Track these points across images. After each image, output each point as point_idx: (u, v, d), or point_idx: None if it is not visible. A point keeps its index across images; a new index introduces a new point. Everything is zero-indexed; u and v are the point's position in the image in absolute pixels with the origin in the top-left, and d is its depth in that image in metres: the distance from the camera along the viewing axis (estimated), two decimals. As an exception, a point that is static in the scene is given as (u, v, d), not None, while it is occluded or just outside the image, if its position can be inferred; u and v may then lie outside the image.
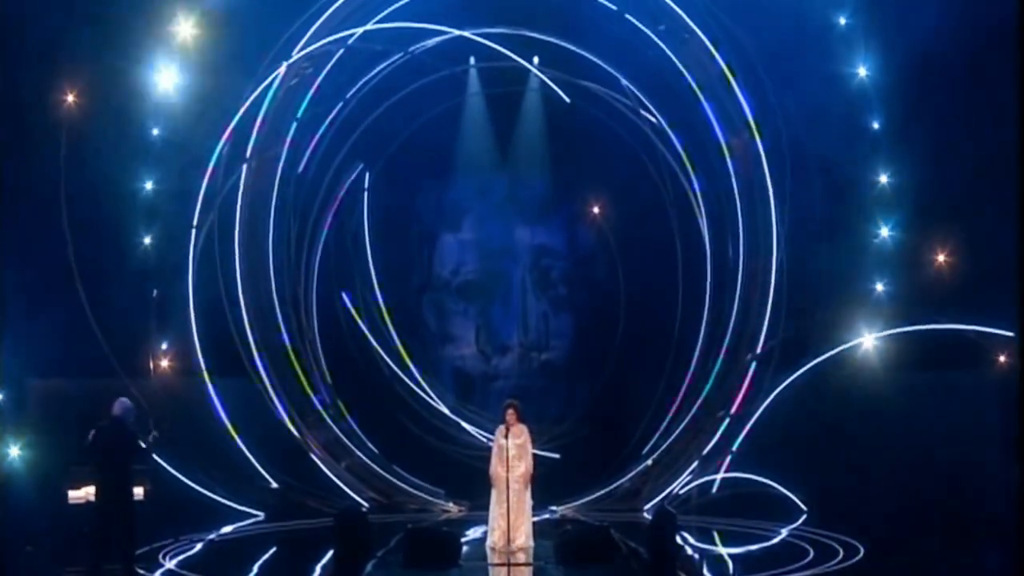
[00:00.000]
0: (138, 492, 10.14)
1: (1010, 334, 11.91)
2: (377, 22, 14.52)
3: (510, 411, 11.19)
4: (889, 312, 13.66)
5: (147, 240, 14.11)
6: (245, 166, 14.30)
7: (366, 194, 16.06)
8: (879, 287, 14.16)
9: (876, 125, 14.11)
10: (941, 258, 13.67)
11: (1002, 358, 12.55)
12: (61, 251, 12.56)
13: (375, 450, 15.16)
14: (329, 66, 14.74)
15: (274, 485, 14.29)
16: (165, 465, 12.84)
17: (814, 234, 13.83)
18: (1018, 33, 6.16)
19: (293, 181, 15.00)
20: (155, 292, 13.56)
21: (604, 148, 15.29)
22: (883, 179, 14.22)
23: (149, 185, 14.11)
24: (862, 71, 14.16)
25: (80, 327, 12.59)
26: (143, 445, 9.52)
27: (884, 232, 14.25)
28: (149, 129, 13.94)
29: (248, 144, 14.24)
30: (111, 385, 11.19)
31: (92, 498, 9.58)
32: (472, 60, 15.69)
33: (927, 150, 13.40)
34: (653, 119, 15.16)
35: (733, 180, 14.48)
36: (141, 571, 9.70)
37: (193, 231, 13.93)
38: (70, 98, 13.07)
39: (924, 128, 13.38)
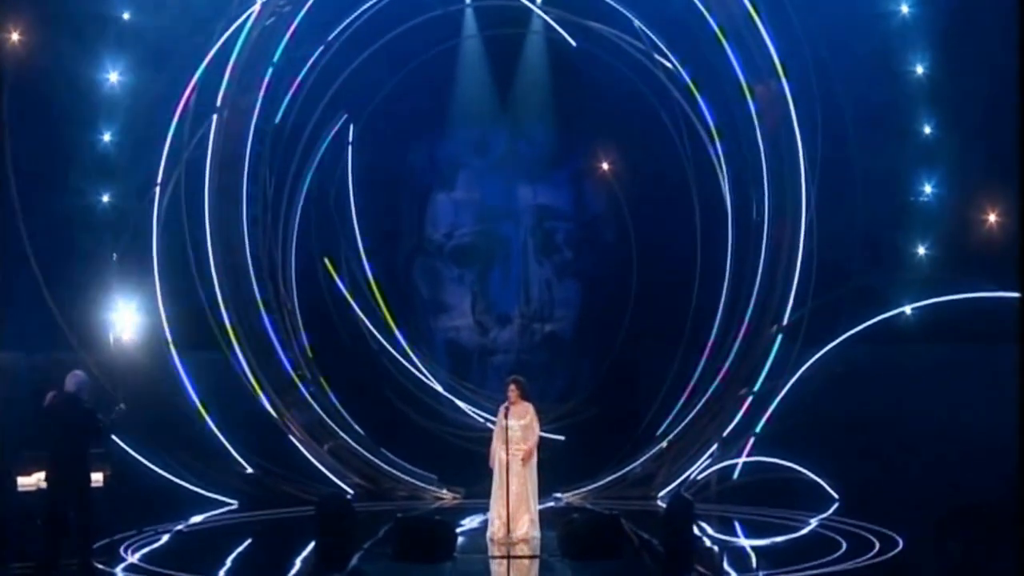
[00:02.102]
0: (96, 478, 10.09)
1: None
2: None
3: (512, 388, 11.16)
4: (932, 279, 13.52)
5: (105, 198, 13.96)
6: (215, 117, 14.17)
7: (350, 148, 16.02)
8: (921, 251, 14.11)
9: (920, 70, 13.89)
10: (992, 218, 13.58)
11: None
12: (6, 209, 12.46)
13: (361, 431, 15.19)
14: (309, 4, 14.64)
15: (249, 470, 14.30)
16: (127, 448, 12.82)
17: (848, 192, 13.77)
18: (1018, 33, 6.16)
19: (269, 134, 14.95)
20: (114, 256, 13.48)
21: (614, 97, 15.30)
22: (927, 130, 14.12)
23: (107, 137, 13.99)
24: (904, 8, 14.05)
25: (30, 295, 12.53)
26: (102, 423, 9.44)
27: (927, 189, 14.15)
28: (105, 72, 13.81)
29: (218, 92, 14.12)
30: (65, 360, 11.03)
31: (44, 485, 9.56)
32: (468, -2, 15.76)
33: (977, 97, 13.17)
34: (669, 64, 15.13)
35: (758, 132, 14.42)
36: (100, 566, 9.65)
37: (157, 189, 13.84)
38: (15, 36, 12.89)
39: (973, 73, 13.13)
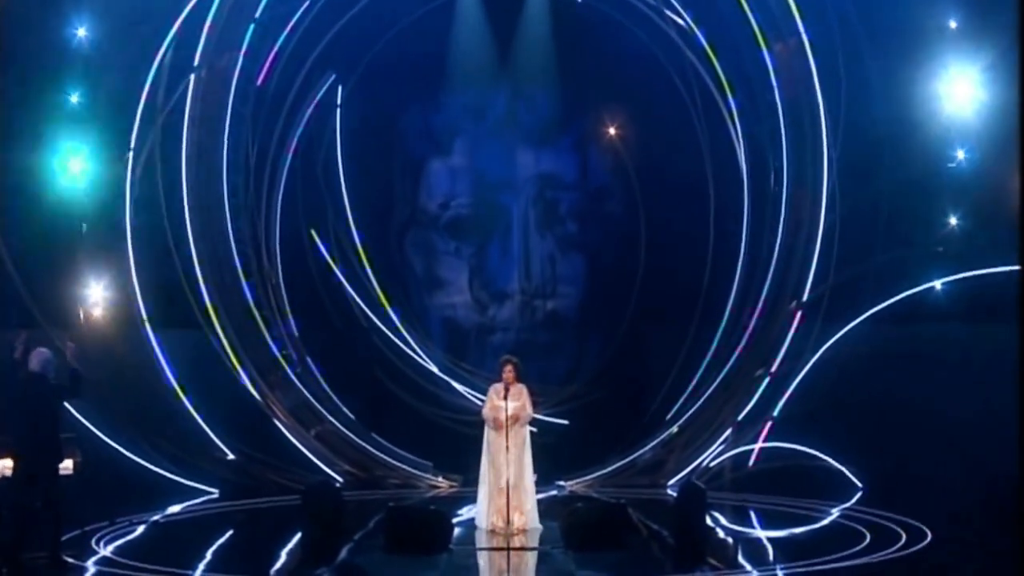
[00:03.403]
0: (66, 465, 10.11)
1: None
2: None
3: (508, 368, 11.18)
4: (964, 252, 13.42)
5: (74, 164, 13.83)
6: (193, 77, 14.12)
7: (338, 111, 15.96)
8: (952, 221, 13.96)
9: (953, 24, 13.70)
10: (1030, 186, 13.43)
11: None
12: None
13: (350, 415, 15.23)
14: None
15: (230, 456, 14.30)
16: (99, 433, 12.80)
17: (874, 158, 13.64)
18: (1018, 32, 6.23)
19: (251, 96, 14.88)
20: (84, 227, 13.40)
21: (623, 57, 15.25)
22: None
23: (75, 98, 13.88)
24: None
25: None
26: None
27: (960, 155, 13.98)
28: (72, 27, 13.72)
29: (196, 50, 14.09)
30: (32, 337, 10.92)
31: (8, 472, 9.53)
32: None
33: (1015, 51, 12.95)
34: (681, 22, 15.05)
35: (776, 95, 14.38)
36: (69, 559, 9.61)
37: (130, 155, 13.75)
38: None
39: (1010, 26, 12.89)
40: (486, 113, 16.51)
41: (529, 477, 11.08)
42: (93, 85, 13.79)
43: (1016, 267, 12.21)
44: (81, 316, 13.06)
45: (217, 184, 14.52)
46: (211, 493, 13.80)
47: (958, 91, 13.50)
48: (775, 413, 14.06)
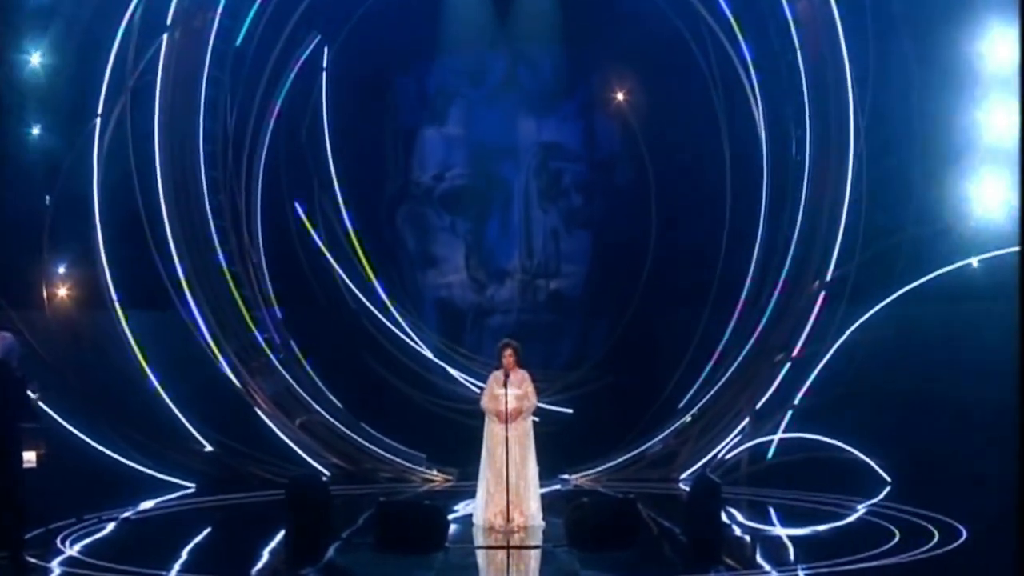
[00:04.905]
0: (29, 458, 10.07)
1: None
2: None
3: (508, 352, 11.16)
4: (1004, 226, 13.23)
5: (35, 130, 13.86)
6: (166, 37, 14.08)
7: (324, 75, 15.95)
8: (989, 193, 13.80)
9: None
10: (1078, 155, 13.36)
11: None
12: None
13: (338, 404, 15.28)
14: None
15: (208, 448, 14.36)
16: (64, 423, 12.82)
17: (904, 122, 13.57)
18: (1019, 33, 6.26)
19: (229, 57, 14.88)
20: (48, 199, 13.31)
21: (630, 15, 15.24)
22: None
23: (35, 59, 13.77)
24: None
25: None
26: (32, 395, 9.39)
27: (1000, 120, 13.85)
28: None
29: (168, 8, 14.09)
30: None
31: None
32: None
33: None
34: None
35: (799, 55, 14.34)
36: (32, 560, 9.54)
37: (97, 121, 13.73)
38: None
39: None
40: (484, 77, 16.57)
41: (532, 471, 11.10)
42: (56, 45, 13.79)
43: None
44: (45, 295, 13.08)
45: (193, 155, 14.56)
46: (187, 487, 13.81)
47: (999, 51, 13.36)
48: (796, 402, 14.08)
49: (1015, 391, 7.16)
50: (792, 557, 10.37)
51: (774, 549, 10.51)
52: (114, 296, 13.74)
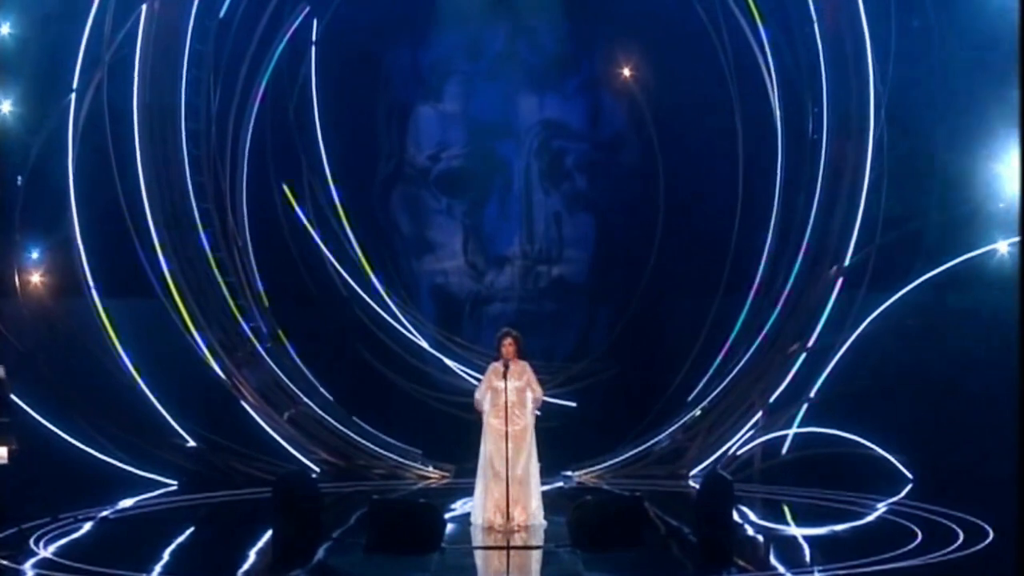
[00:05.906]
0: (0, 453, 10.32)
1: None
2: None
3: (508, 342, 11.14)
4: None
5: (5, 107, 13.87)
6: (144, 7, 14.08)
7: (313, 49, 15.94)
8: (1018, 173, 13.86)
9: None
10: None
11: None
12: None
13: (328, 396, 15.29)
14: None
15: (191, 443, 14.36)
16: (38, 416, 12.94)
17: (928, 98, 13.63)
18: (1019, 33, 6.45)
19: (212, 30, 14.84)
20: (20, 180, 13.36)
21: None
22: (1025, 24, 13.85)
23: (4, 29, 13.85)
24: None
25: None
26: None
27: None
28: None
29: None
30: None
31: None
32: None
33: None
34: None
35: (815, 27, 14.32)
36: (4, 561, 9.59)
37: (72, 96, 13.71)
38: None
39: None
40: (482, 51, 16.51)
41: (533, 467, 11.11)
42: (27, 15, 13.75)
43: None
44: (18, 282, 13.07)
45: (174, 133, 14.54)
46: (169, 485, 13.84)
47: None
48: (811, 394, 14.09)
49: (1015, 391, 7.20)
50: (808, 558, 10.40)
51: (788, 550, 10.52)
52: (91, 283, 13.76)
